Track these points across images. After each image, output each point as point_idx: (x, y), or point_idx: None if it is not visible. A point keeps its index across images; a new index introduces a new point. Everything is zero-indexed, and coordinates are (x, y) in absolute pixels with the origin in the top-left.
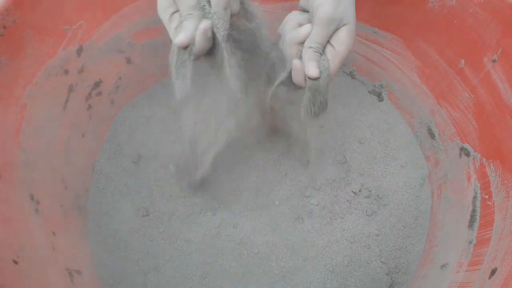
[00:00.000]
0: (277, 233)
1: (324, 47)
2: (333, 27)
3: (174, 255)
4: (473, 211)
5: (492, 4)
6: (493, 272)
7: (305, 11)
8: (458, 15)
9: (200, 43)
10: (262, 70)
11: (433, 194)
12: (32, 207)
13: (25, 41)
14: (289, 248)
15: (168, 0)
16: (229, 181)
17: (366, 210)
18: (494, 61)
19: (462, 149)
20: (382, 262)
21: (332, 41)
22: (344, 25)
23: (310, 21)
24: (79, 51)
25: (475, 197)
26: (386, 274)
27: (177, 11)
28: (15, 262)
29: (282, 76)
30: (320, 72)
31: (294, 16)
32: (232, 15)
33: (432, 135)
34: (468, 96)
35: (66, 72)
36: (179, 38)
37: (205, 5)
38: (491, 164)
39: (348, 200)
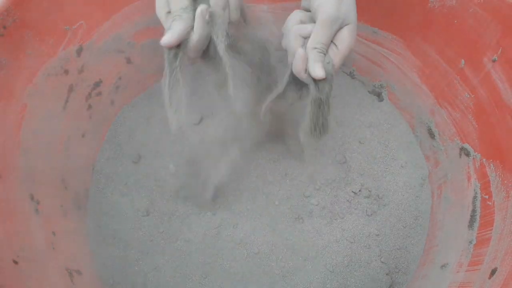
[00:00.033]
0: (277, 233)
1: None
2: (336, 27)
3: (174, 255)
4: (473, 211)
5: (492, 4)
6: (493, 272)
7: (307, 11)
8: (458, 15)
9: (199, 30)
10: (271, 89)
11: (433, 194)
12: (32, 207)
13: (25, 41)
14: (289, 248)
15: (164, 0)
16: (229, 181)
17: (366, 210)
18: (494, 61)
19: (462, 149)
20: (382, 262)
21: (335, 41)
22: (346, 24)
23: (312, 20)
24: (79, 51)
25: (475, 197)
26: (386, 274)
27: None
28: (15, 262)
29: (286, 75)
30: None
31: (296, 15)
32: (232, 24)
33: (432, 135)
34: (468, 96)
35: (66, 72)
36: (165, 38)
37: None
38: (491, 164)
39: (348, 200)
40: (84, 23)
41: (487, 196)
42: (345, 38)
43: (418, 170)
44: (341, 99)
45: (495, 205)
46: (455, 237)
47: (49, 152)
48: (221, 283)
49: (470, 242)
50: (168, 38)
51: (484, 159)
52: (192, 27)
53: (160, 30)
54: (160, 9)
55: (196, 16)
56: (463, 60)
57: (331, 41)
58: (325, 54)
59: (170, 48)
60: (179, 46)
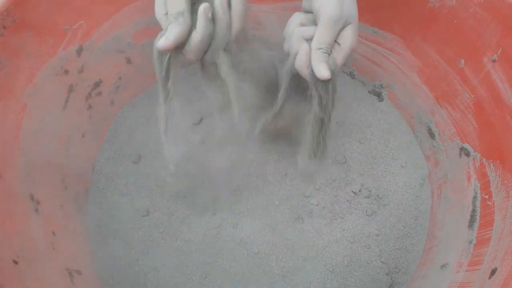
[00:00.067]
0: (277, 233)
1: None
2: (340, 27)
3: (174, 255)
4: (473, 211)
5: (492, 4)
6: (493, 272)
7: (308, 12)
8: (458, 15)
9: (202, 29)
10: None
11: (433, 194)
12: (32, 207)
13: (25, 41)
14: (289, 248)
15: (162, 1)
16: (229, 182)
17: (366, 210)
18: (494, 61)
19: (462, 149)
20: (382, 262)
21: (338, 40)
22: (348, 24)
23: (313, 22)
24: (79, 51)
25: (475, 197)
26: (386, 274)
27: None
28: (15, 262)
29: (281, 92)
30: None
31: (297, 18)
32: (233, 40)
33: (432, 135)
34: (468, 96)
35: (66, 72)
36: (161, 41)
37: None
38: (491, 164)
39: (348, 200)
40: (84, 23)
41: (487, 196)
42: (348, 37)
43: (418, 170)
44: (341, 99)
45: (495, 205)
46: (455, 237)
47: (49, 152)
48: (221, 283)
49: (470, 242)
50: (164, 41)
51: (484, 159)
52: (189, 31)
53: (160, 30)
54: (159, 12)
55: (199, 15)
56: (463, 60)
57: (335, 41)
58: (329, 55)
59: (164, 52)
60: (176, 49)
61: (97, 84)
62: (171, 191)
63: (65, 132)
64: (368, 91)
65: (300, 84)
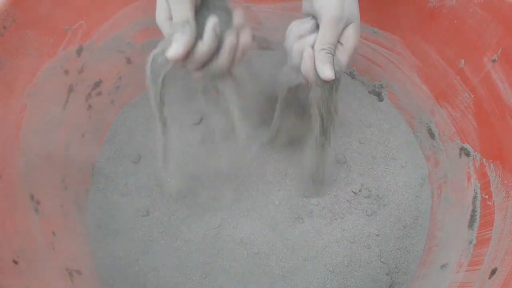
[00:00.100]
0: (277, 233)
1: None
2: (342, 26)
3: (174, 255)
4: (473, 211)
5: (492, 4)
6: (493, 272)
7: (308, 14)
8: (458, 15)
9: (209, 43)
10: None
11: (433, 194)
12: (32, 207)
13: (25, 41)
14: (289, 248)
15: (164, 6)
16: (229, 181)
17: (366, 210)
18: (494, 61)
19: (462, 149)
20: (382, 262)
21: (340, 40)
22: (350, 23)
23: (312, 30)
24: (79, 51)
25: (475, 197)
26: (386, 274)
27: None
28: (15, 262)
29: (278, 105)
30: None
31: (296, 29)
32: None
33: (432, 135)
34: (468, 96)
35: (66, 72)
36: (172, 50)
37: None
38: (491, 164)
39: (348, 200)
40: (84, 23)
41: (487, 196)
42: (350, 36)
43: (418, 170)
44: (341, 99)
45: (495, 205)
46: (455, 237)
47: (49, 152)
48: (221, 283)
49: (470, 242)
50: (176, 49)
51: (484, 159)
52: (194, 40)
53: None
54: (161, 17)
55: (208, 28)
56: (463, 60)
57: (337, 41)
58: (333, 55)
59: (166, 65)
60: (185, 58)
61: (97, 84)
62: (171, 191)
63: (65, 132)
64: (368, 91)
65: (297, 98)
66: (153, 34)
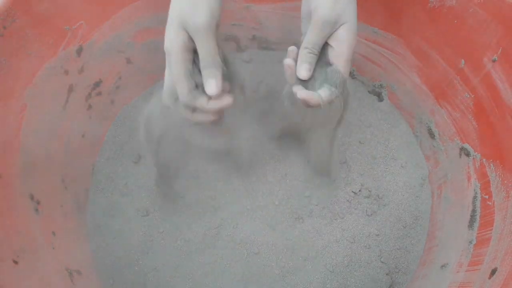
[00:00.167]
0: (277, 233)
1: (323, 48)
2: (329, 27)
3: (174, 255)
4: (473, 211)
5: (492, 4)
6: (493, 272)
7: (307, 16)
8: (458, 15)
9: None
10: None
11: (433, 194)
12: (32, 207)
13: (25, 41)
14: (289, 248)
15: (184, 39)
16: (229, 181)
17: (366, 210)
18: (494, 61)
19: (462, 149)
20: (382, 262)
21: (331, 42)
22: (342, 24)
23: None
24: (79, 51)
25: (475, 197)
26: (386, 274)
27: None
28: (15, 262)
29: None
30: (330, 93)
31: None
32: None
33: (432, 135)
34: (468, 96)
35: (66, 72)
36: (213, 86)
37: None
38: (491, 164)
39: (348, 200)
40: (84, 23)
41: (487, 196)
42: (343, 37)
43: (418, 170)
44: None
45: (495, 205)
46: (455, 237)
47: (49, 152)
48: (221, 283)
49: (470, 242)
50: (214, 85)
51: (484, 159)
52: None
53: (160, 30)
54: (178, 48)
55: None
56: (463, 60)
57: (328, 43)
58: (316, 55)
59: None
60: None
61: (97, 84)
62: (171, 191)
63: (65, 132)
64: (368, 91)
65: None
66: (153, 34)
